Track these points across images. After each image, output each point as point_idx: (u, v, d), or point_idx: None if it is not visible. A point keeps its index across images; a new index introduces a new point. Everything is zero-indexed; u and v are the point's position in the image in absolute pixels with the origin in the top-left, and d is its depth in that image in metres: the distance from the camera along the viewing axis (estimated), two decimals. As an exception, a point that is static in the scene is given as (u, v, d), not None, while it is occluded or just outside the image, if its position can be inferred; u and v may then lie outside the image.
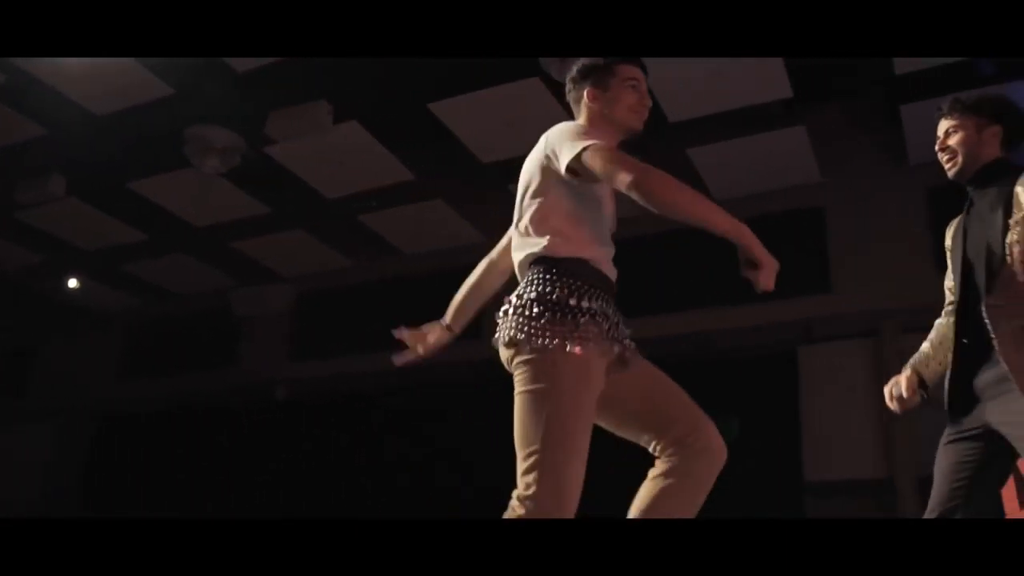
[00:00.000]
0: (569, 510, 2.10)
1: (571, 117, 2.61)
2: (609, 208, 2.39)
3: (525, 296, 2.23)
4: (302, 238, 8.69)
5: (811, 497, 7.03)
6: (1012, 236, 2.18)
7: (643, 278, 7.96)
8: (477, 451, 8.16)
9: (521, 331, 2.19)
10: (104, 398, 10.27)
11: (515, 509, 2.14)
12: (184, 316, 10.13)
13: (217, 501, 8.84)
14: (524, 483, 2.14)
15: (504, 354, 2.26)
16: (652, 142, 6.91)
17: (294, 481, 8.76)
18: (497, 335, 2.29)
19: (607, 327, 2.22)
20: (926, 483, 6.81)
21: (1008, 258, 2.20)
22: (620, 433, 2.41)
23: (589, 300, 2.20)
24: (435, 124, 6.63)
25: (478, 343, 8.55)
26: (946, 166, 2.51)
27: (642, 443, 2.37)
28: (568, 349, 2.13)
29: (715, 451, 2.52)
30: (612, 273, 2.34)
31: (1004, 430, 2.26)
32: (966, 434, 2.37)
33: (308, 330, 9.56)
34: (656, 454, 2.33)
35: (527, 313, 2.19)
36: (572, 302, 2.18)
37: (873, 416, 7.07)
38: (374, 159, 7.12)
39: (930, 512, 2.38)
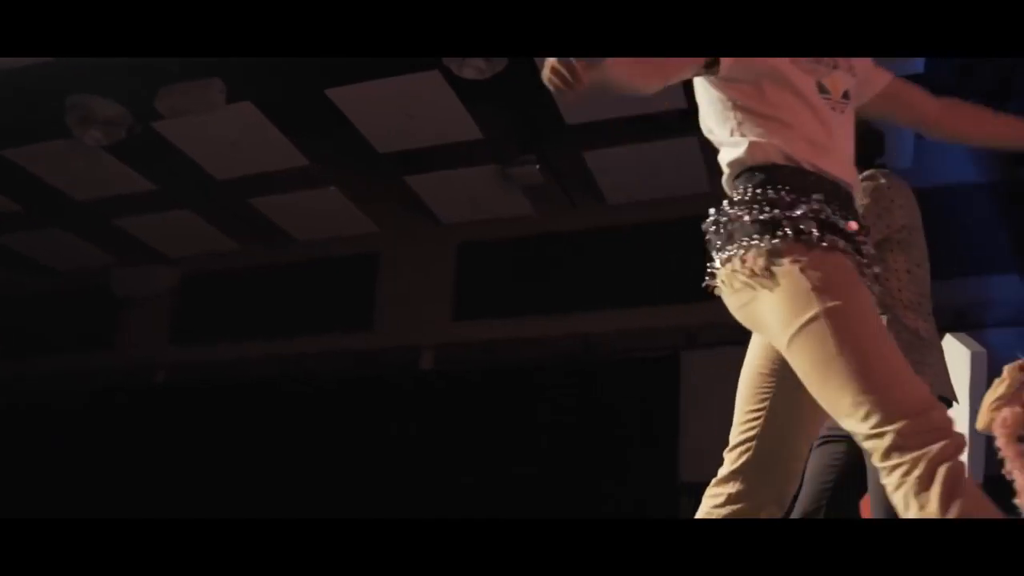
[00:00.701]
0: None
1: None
2: None
3: None
4: (189, 219, 8.42)
5: (686, 497, 7.22)
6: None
7: (527, 278, 8.06)
8: (358, 440, 8.10)
9: None
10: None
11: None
12: (60, 293, 9.68)
13: (93, 487, 8.50)
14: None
15: None
16: (549, 143, 7.05)
17: (171, 468, 8.50)
18: None
19: None
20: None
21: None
22: None
23: None
24: (332, 110, 6.53)
25: (366, 335, 8.52)
26: None
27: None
28: None
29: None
30: None
31: None
32: (834, 437, 2.46)
33: (191, 314, 9.28)
34: None
35: None
36: None
37: (749, 421, 7.32)
38: (268, 142, 6.97)
39: (796, 512, 2.46)
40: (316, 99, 6.39)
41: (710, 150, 2.80)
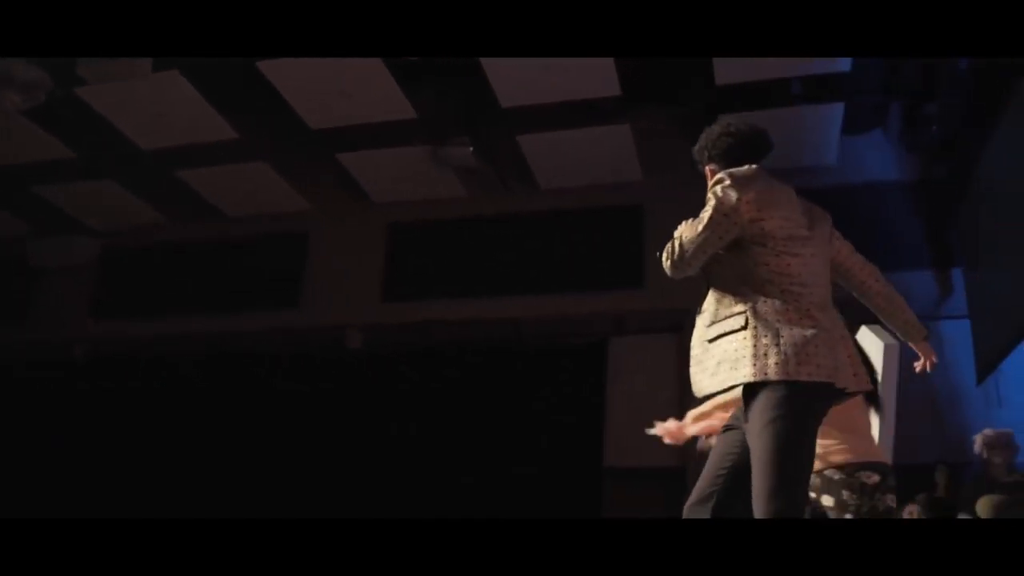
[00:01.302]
0: None
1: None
2: None
3: None
4: (112, 189, 8.18)
5: (609, 481, 7.32)
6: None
7: (458, 261, 8.04)
8: (281, 417, 8.02)
9: None
10: None
11: None
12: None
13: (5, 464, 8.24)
14: None
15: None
16: (484, 126, 7.03)
17: (87, 445, 8.28)
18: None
19: None
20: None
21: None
22: None
23: None
24: (264, 84, 6.40)
25: (293, 313, 8.40)
26: None
27: None
28: None
29: None
30: None
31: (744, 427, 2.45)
32: (734, 425, 2.54)
33: (112, 287, 9.02)
34: None
35: None
36: None
37: (673, 408, 7.42)
38: (196, 113, 6.80)
39: (693, 495, 2.53)
40: (246, 71, 6.25)
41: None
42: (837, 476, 3.04)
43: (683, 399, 7.44)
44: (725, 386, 2.43)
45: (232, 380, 8.32)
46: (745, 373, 2.39)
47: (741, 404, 2.47)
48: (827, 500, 3.05)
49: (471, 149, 7.10)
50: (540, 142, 7.21)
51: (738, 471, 2.49)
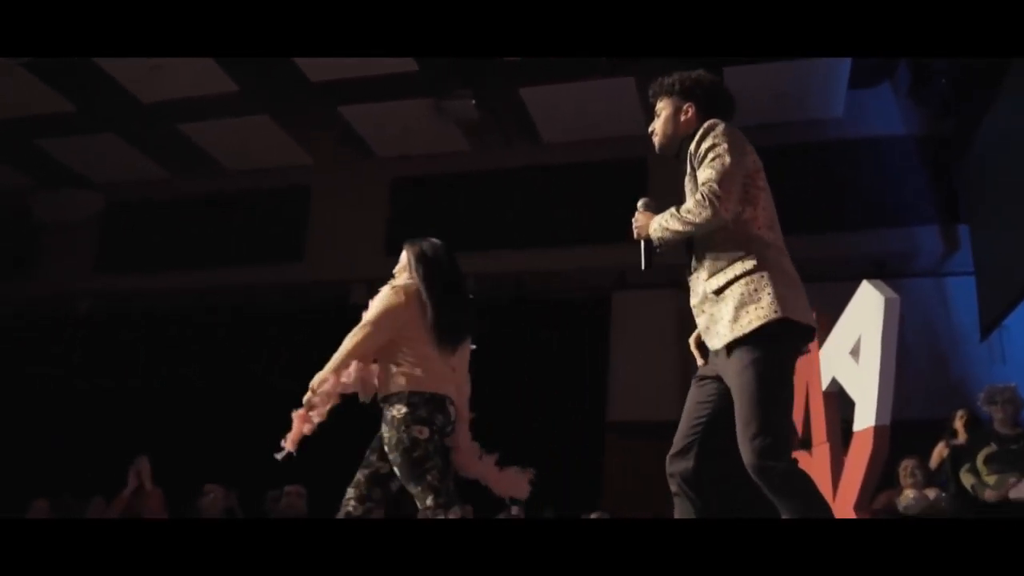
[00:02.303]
0: None
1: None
2: None
3: None
4: (114, 142, 8.14)
5: (613, 436, 7.37)
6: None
7: (461, 215, 8.01)
8: (283, 371, 8.02)
9: None
10: None
11: None
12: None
13: (14, 417, 8.31)
14: None
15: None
16: (485, 78, 6.96)
17: (93, 398, 8.35)
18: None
19: None
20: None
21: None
22: None
23: None
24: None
25: (297, 267, 8.38)
26: (655, 142, 2.78)
27: None
28: None
29: None
30: None
31: (724, 378, 2.50)
32: (709, 375, 2.56)
33: (117, 241, 9.02)
34: None
35: None
36: None
37: (676, 361, 7.47)
38: (195, 66, 6.73)
39: (673, 447, 2.55)
40: (247, 23, 6.18)
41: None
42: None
43: (685, 354, 7.49)
44: (755, 326, 2.40)
45: (237, 334, 8.35)
46: (765, 313, 2.40)
47: (721, 352, 2.47)
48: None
49: (473, 102, 7.04)
50: (542, 95, 7.14)
51: (712, 420, 2.52)
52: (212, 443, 7.60)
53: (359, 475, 3.20)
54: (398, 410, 3.08)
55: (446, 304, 3.27)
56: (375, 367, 3.23)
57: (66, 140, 8.12)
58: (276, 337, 8.19)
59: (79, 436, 8.09)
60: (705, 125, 2.57)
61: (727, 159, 2.47)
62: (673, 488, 2.54)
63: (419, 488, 3.01)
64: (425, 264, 3.37)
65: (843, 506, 3.52)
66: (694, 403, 2.60)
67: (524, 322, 7.81)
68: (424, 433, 3.04)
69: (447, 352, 3.27)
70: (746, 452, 2.35)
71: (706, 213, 2.45)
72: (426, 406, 3.09)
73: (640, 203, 2.69)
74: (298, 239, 8.42)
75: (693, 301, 2.62)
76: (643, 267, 2.69)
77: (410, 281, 3.32)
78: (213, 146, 8.20)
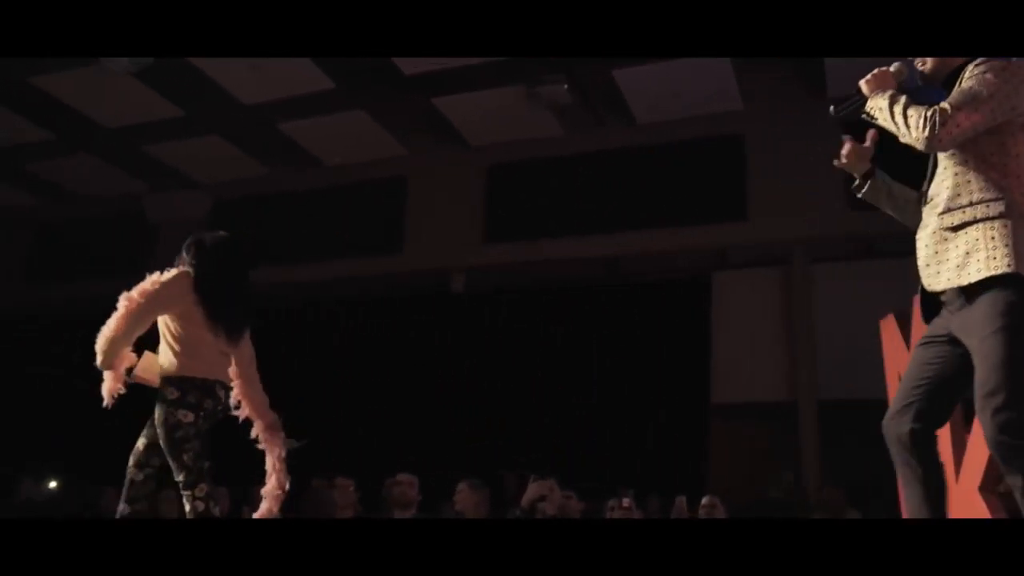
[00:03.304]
0: None
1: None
2: None
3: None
4: (217, 143, 8.43)
5: (717, 419, 7.28)
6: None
7: (557, 200, 7.99)
8: (388, 362, 8.18)
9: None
10: (7, 303, 9.92)
11: None
12: (96, 219, 9.76)
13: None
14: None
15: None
16: (577, 61, 6.91)
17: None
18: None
19: None
20: (826, 406, 7.05)
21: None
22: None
23: None
24: (358, 32, 6.43)
25: (396, 258, 8.50)
26: (922, 70, 2.48)
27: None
28: None
29: None
30: None
31: (963, 339, 2.31)
32: (935, 339, 2.41)
33: (224, 239, 9.30)
34: None
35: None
36: None
37: (780, 341, 7.31)
38: (292, 66, 6.89)
39: (891, 408, 2.43)
40: (340, 20, 6.29)
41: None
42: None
43: (790, 333, 7.32)
44: (979, 278, 2.21)
45: (340, 326, 8.55)
46: (1000, 264, 2.20)
47: (952, 311, 2.32)
48: None
49: (565, 87, 7.00)
50: (635, 76, 7.05)
51: (938, 383, 2.35)
52: (326, 435, 7.81)
53: (139, 443, 3.43)
54: (170, 392, 3.31)
55: (218, 295, 3.43)
56: (148, 354, 3.45)
57: (174, 144, 8.44)
58: (380, 327, 8.36)
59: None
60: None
61: (986, 89, 2.23)
62: (893, 454, 2.38)
63: (175, 464, 3.26)
64: (201, 254, 3.54)
65: (967, 487, 3.37)
66: (918, 364, 2.40)
67: (621, 306, 7.76)
68: (188, 417, 3.28)
69: (226, 343, 3.44)
70: (988, 425, 2.15)
71: (919, 132, 2.25)
72: (195, 392, 3.32)
73: (895, 65, 2.42)
74: (397, 230, 8.55)
75: (920, 232, 2.42)
76: (833, 111, 2.53)
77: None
78: (311, 143, 8.39)
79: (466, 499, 5.12)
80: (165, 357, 3.42)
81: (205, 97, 7.51)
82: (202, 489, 3.24)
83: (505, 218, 8.20)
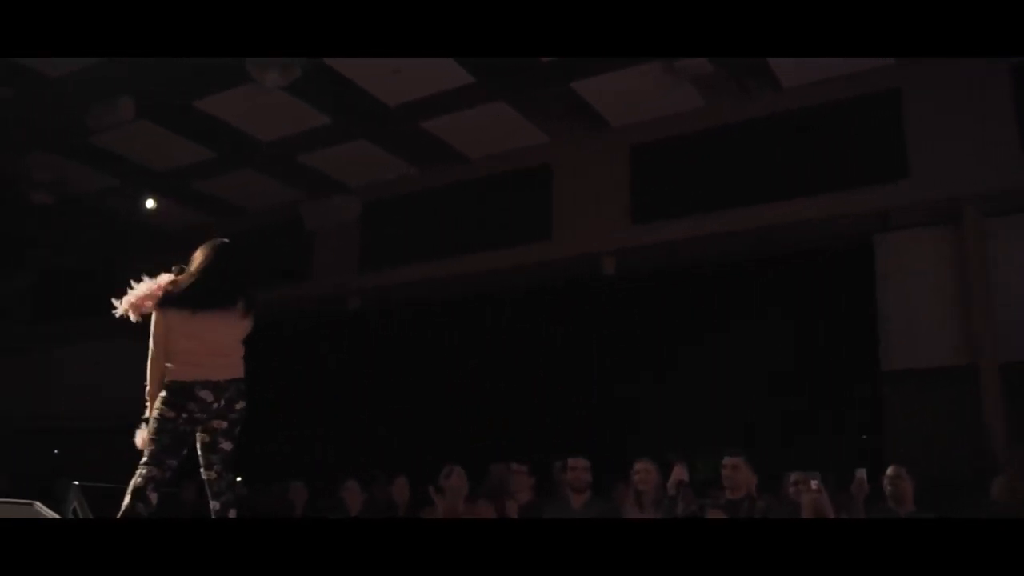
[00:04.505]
0: None
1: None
2: None
3: None
4: (365, 147, 8.69)
5: (890, 387, 6.97)
6: None
7: (704, 174, 7.81)
8: (552, 348, 8.25)
9: None
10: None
11: None
12: (258, 230, 10.22)
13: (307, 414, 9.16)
14: None
15: None
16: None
17: (376, 384, 9.02)
18: None
19: None
20: (1008, 369, 6.65)
21: None
22: None
23: None
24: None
25: (546, 245, 8.54)
26: None
27: None
28: None
29: None
30: None
31: None
32: None
33: (377, 239, 9.61)
34: None
35: None
36: None
37: (954, 303, 6.93)
38: (432, 65, 7.02)
39: None
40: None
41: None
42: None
43: (964, 293, 6.94)
44: None
45: (499, 317, 8.69)
46: None
47: None
48: None
49: (706, 57, 6.84)
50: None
51: None
52: (498, 422, 8.00)
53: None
54: (163, 395, 3.65)
55: (178, 295, 3.73)
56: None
57: (324, 151, 8.76)
58: (534, 315, 8.45)
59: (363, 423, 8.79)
60: None
61: None
62: None
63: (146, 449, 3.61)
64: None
65: None
66: None
67: (781, 276, 7.54)
68: (168, 414, 3.60)
69: (203, 329, 3.70)
70: None
71: None
72: (175, 394, 3.62)
73: None
74: (544, 217, 8.57)
75: None
76: None
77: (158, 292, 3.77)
78: (455, 138, 8.52)
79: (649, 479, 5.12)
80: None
81: (351, 103, 7.76)
82: (149, 471, 3.52)
83: (651, 197, 8.08)
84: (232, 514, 3.62)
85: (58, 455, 10.96)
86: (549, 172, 8.64)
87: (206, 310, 3.70)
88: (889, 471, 5.20)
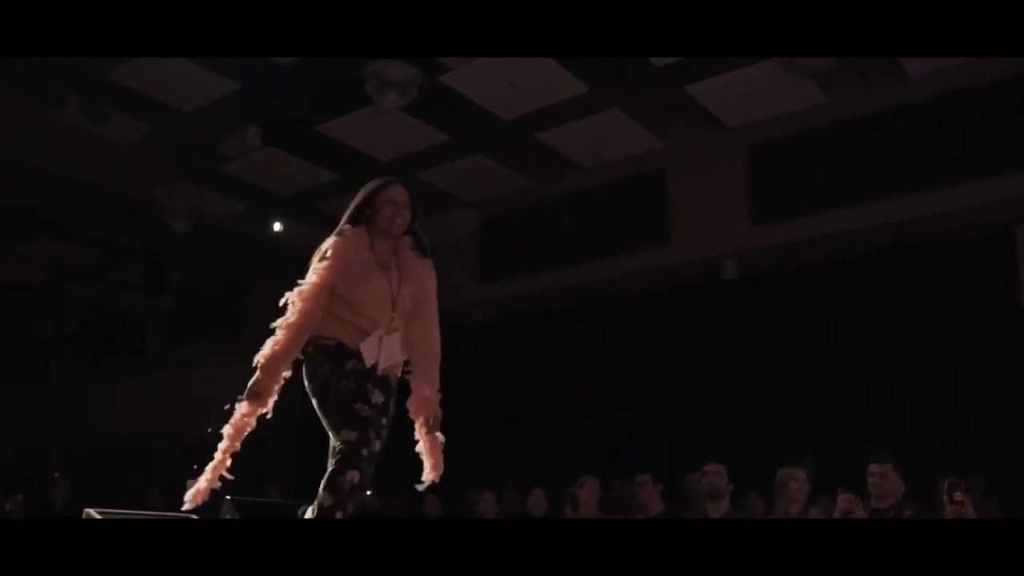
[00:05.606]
0: None
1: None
2: None
3: None
4: (482, 162, 8.81)
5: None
6: None
7: (827, 171, 7.59)
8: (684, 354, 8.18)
9: None
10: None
11: None
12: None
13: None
14: None
15: None
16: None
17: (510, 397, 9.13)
18: None
19: None
20: None
21: None
22: None
23: None
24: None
25: (664, 251, 8.45)
26: None
27: None
28: None
29: None
30: None
31: None
32: None
33: (495, 252, 9.72)
34: None
35: None
36: None
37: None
38: (546, 75, 7.07)
39: None
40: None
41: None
42: None
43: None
44: None
45: (622, 323, 8.69)
46: None
47: None
48: None
49: (826, 50, 6.65)
50: (902, 26, 6.57)
51: None
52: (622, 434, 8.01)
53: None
54: None
55: None
56: None
57: (442, 168, 8.92)
58: (657, 319, 8.40)
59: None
60: None
61: None
62: None
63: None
64: None
65: None
66: None
67: (908, 274, 7.28)
68: None
69: None
70: None
71: None
72: None
73: None
74: (661, 223, 8.49)
75: None
76: None
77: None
78: (569, 148, 8.55)
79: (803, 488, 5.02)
80: None
81: (466, 120, 7.89)
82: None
83: (772, 197, 7.91)
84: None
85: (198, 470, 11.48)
86: (665, 177, 8.56)
87: None
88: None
